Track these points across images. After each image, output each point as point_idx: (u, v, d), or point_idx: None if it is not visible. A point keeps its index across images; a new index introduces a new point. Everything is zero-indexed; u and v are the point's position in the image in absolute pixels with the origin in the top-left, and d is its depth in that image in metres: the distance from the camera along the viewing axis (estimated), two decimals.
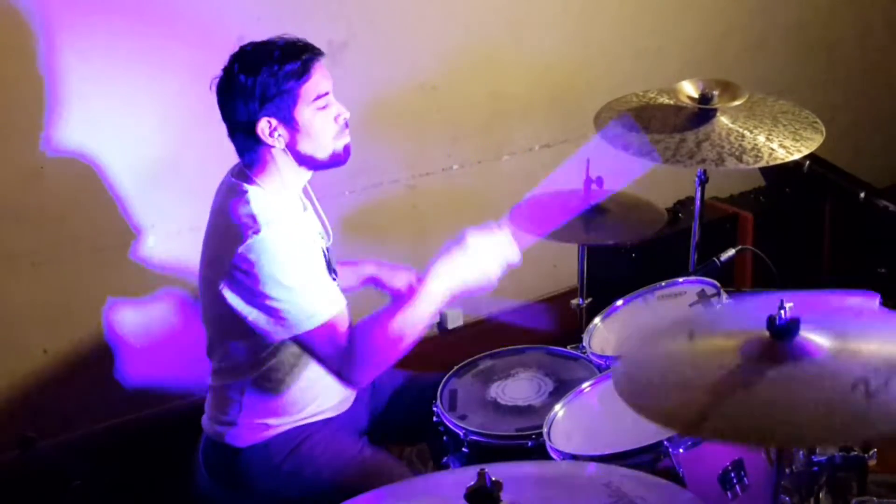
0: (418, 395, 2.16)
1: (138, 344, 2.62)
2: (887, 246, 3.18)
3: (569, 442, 1.79)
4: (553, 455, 1.75)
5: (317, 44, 1.88)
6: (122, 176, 2.49)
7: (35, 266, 2.45)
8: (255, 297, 1.80)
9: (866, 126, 3.98)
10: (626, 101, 2.33)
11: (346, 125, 1.91)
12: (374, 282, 2.26)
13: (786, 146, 2.07)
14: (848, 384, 1.25)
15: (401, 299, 1.89)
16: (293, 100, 1.83)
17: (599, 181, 2.39)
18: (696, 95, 2.19)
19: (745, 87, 2.21)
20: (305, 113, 1.85)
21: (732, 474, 1.61)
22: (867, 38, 3.89)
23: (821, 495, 1.76)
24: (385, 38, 2.78)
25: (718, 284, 2.12)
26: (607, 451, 1.67)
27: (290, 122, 1.84)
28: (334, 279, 1.98)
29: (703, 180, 2.32)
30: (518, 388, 2.10)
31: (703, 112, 2.17)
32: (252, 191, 1.86)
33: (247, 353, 1.92)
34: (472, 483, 1.21)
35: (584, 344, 2.19)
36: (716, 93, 2.16)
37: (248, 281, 1.80)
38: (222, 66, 1.84)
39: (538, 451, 1.84)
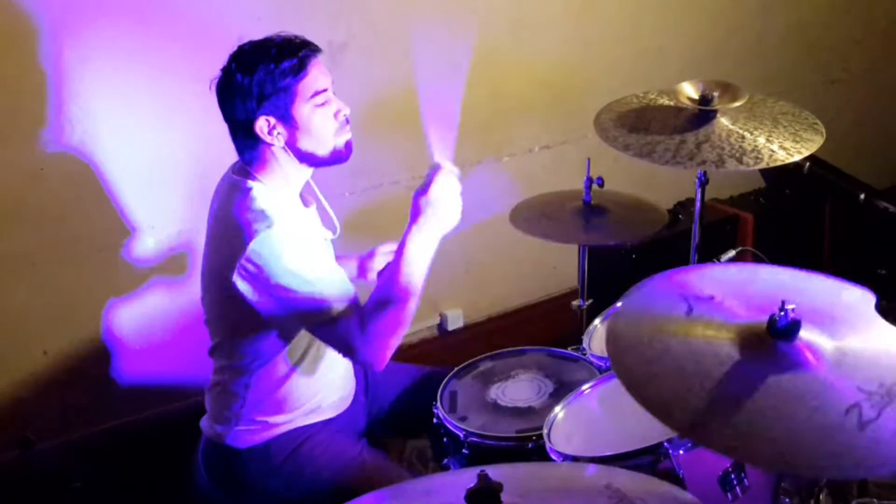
0: (416, 388, 2.17)
1: (138, 345, 2.63)
2: (887, 247, 3.17)
3: (569, 443, 1.79)
4: (553, 456, 1.76)
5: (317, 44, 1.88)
6: (122, 176, 2.49)
7: (35, 266, 2.45)
8: (271, 291, 1.79)
9: (866, 127, 3.97)
10: (627, 101, 2.33)
11: (347, 121, 1.90)
12: (362, 272, 2.26)
13: (786, 147, 2.07)
14: (842, 408, 1.26)
15: (387, 271, 1.90)
16: (290, 97, 1.82)
17: (599, 181, 2.39)
18: (696, 97, 2.19)
19: (746, 89, 2.20)
20: (304, 110, 1.84)
21: (733, 476, 1.61)
22: (867, 39, 3.89)
23: (821, 497, 1.76)
24: (385, 38, 2.77)
25: None
26: (607, 453, 1.67)
27: (288, 120, 1.84)
28: None
29: (704, 181, 2.32)
30: (518, 390, 2.10)
31: (703, 113, 2.16)
32: (256, 187, 1.86)
33: (255, 348, 1.92)
34: (473, 485, 1.21)
35: (584, 345, 2.19)
36: (716, 94, 2.16)
37: (262, 275, 1.79)
38: (221, 67, 1.84)
39: (538, 452, 1.84)
